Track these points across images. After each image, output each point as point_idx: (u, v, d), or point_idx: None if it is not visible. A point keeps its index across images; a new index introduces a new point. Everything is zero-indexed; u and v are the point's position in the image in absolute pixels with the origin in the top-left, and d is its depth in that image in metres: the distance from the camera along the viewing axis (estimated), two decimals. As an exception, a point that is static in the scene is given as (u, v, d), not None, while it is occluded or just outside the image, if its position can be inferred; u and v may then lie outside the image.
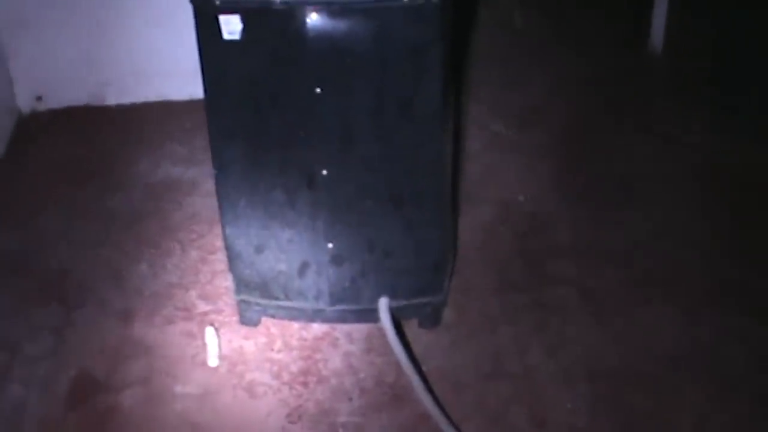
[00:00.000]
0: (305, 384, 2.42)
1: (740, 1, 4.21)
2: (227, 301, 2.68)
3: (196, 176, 3.21)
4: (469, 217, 2.99)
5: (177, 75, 3.52)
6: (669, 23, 4.01)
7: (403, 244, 2.43)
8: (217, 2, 2.10)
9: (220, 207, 2.42)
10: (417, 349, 2.50)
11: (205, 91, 2.25)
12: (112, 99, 3.74)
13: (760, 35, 3.99)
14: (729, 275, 2.78)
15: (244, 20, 2.10)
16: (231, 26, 2.12)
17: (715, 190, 3.15)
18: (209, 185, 2.42)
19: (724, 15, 4.16)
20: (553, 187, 3.17)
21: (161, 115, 3.62)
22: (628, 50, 4.11)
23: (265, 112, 2.24)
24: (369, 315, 2.48)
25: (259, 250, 2.44)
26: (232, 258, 2.50)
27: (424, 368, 2.42)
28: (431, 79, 2.20)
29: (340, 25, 2.10)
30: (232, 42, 2.14)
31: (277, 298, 2.52)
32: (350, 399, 2.38)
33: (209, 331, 2.54)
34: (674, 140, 3.44)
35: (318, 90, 2.16)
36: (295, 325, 2.59)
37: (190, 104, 3.39)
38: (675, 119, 3.57)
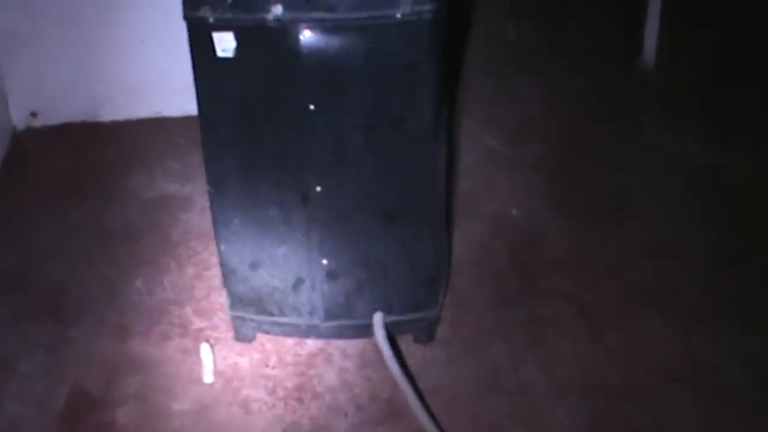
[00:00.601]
0: (300, 400, 2.42)
1: (734, 15, 4.22)
2: (222, 317, 2.68)
3: (192, 193, 3.21)
4: (463, 232, 2.99)
5: (171, 91, 3.53)
6: (661, 36, 4.02)
7: (397, 259, 2.43)
8: (211, 20, 2.11)
9: (215, 223, 2.42)
10: (412, 365, 2.50)
11: (199, 108, 2.26)
12: (107, 115, 3.74)
13: (753, 48, 4.01)
14: (724, 288, 2.78)
15: (237, 38, 2.11)
16: (224, 44, 2.13)
17: (709, 203, 3.15)
18: (204, 202, 2.43)
19: (718, 28, 4.18)
20: (547, 201, 3.17)
21: (156, 131, 3.62)
22: (621, 63, 4.12)
23: (259, 129, 2.25)
24: (364, 330, 2.48)
25: (253, 266, 2.45)
26: (227, 274, 2.50)
27: (419, 384, 2.42)
28: (424, 96, 2.21)
29: (333, 42, 2.11)
30: (225, 59, 2.14)
31: (271, 314, 2.52)
32: (345, 415, 2.38)
33: (204, 348, 2.54)
34: (668, 153, 3.44)
35: (312, 107, 2.17)
36: (290, 341, 2.59)
37: (185, 121, 3.38)
38: (668, 132, 3.58)
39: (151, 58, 3.61)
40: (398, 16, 2.08)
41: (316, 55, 2.11)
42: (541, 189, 3.24)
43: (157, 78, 3.65)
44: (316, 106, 2.17)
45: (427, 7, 2.09)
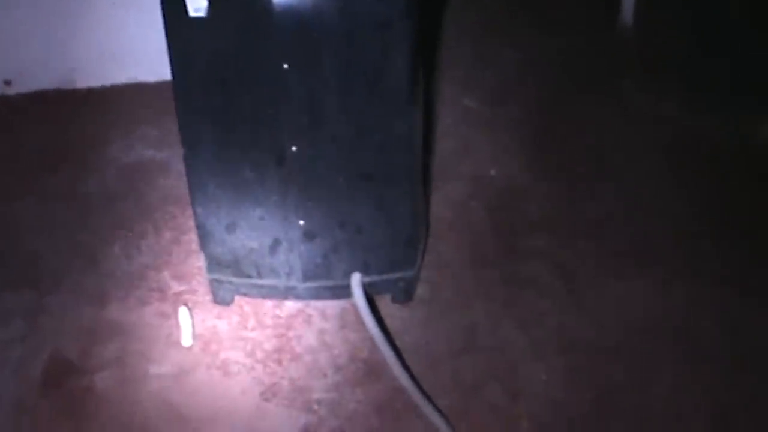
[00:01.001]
0: (279, 362, 2.42)
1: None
2: (200, 280, 2.67)
3: (169, 158, 3.19)
4: (441, 193, 2.99)
5: (146, 57, 3.50)
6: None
7: (374, 219, 2.42)
8: (182, -21, 2.08)
9: (190, 186, 2.41)
10: (391, 325, 2.51)
11: (172, 70, 2.23)
12: (83, 82, 3.70)
13: (732, 12, 4.00)
14: (701, 246, 2.79)
15: (209, -4, 2.09)
16: (196, 3, 2.10)
17: (687, 163, 3.16)
18: (181, 167, 2.41)
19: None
20: (526, 162, 3.17)
21: (132, 97, 3.59)
22: (600, 26, 4.11)
23: (233, 90, 2.23)
24: (342, 291, 2.48)
25: (230, 228, 2.44)
26: (204, 237, 2.49)
27: (398, 343, 2.43)
28: (399, 54, 2.19)
29: (306, -1, 2.09)
30: (197, 19, 2.11)
31: (249, 276, 2.52)
32: (325, 375, 2.38)
33: (183, 311, 2.53)
34: (646, 114, 3.44)
35: (285, 66, 2.15)
36: (269, 303, 2.59)
37: (161, 86, 3.33)
38: (647, 94, 3.57)
39: (126, 22, 3.57)
40: (372, -28, 2.06)
41: (289, 13, 2.09)
42: (520, 150, 3.24)
43: (132, 43, 3.61)
44: (290, 66, 2.15)
45: (401, -37, 2.07)
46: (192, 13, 2.11)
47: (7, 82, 3.70)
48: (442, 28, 3.99)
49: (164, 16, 2.16)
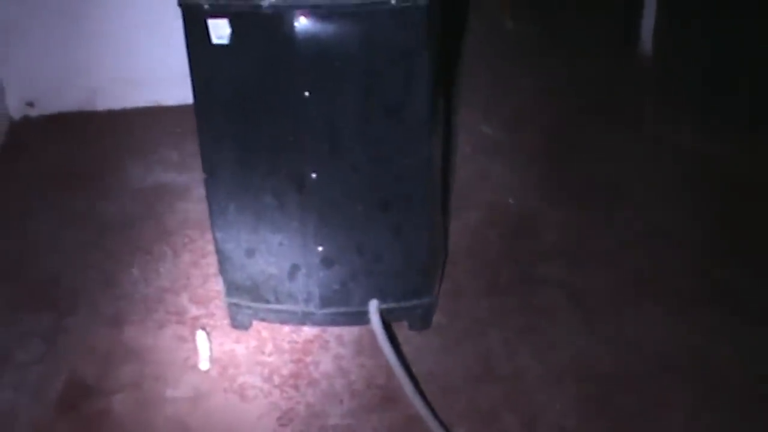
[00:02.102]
0: (296, 387, 2.43)
1: (729, 5, 4.23)
2: (218, 304, 2.68)
3: (188, 181, 3.21)
4: (459, 221, 3.00)
5: (167, 80, 3.53)
6: (658, 26, 4.03)
7: (392, 247, 2.43)
8: (206, 6, 2.11)
9: (210, 211, 2.42)
10: (407, 352, 2.51)
11: (194, 95, 2.26)
12: (104, 104, 3.75)
13: (750, 38, 4.01)
14: (718, 276, 2.79)
15: (232, 24, 2.11)
16: (220, 30, 2.13)
17: (704, 191, 3.16)
18: (201, 191, 2.43)
19: (714, 18, 4.18)
20: (543, 189, 3.18)
21: (152, 120, 3.63)
22: (618, 53, 4.13)
23: (255, 116, 2.25)
24: (359, 317, 2.49)
25: (249, 253, 2.45)
26: (223, 261, 2.50)
27: (414, 370, 2.43)
28: (419, 83, 2.21)
29: (328, 28, 2.11)
30: (220, 46, 2.15)
31: (267, 301, 2.53)
32: (341, 401, 2.38)
33: (200, 335, 2.54)
34: (664, 141, 3.45)
35: (306, 93, 2.17)
36: (286, 329, 2.60)
37: (182, 109, 3.34)
38: (664, 121, 3.59)
39: (147, 46, 3.62)
40: (393, 2, 2.08)
41: (311, 41, 2.11)
42: (537, 178, 3.25)
43: (154, 66, 3.66)
44: (311, 93, 2.17)
45: (422, -7, 2.09)
46: (215, 40, 2.14)
47: (30, 104, 3.75)
48: (461, 53, 4.01)
49: (187, 42, 2.19)
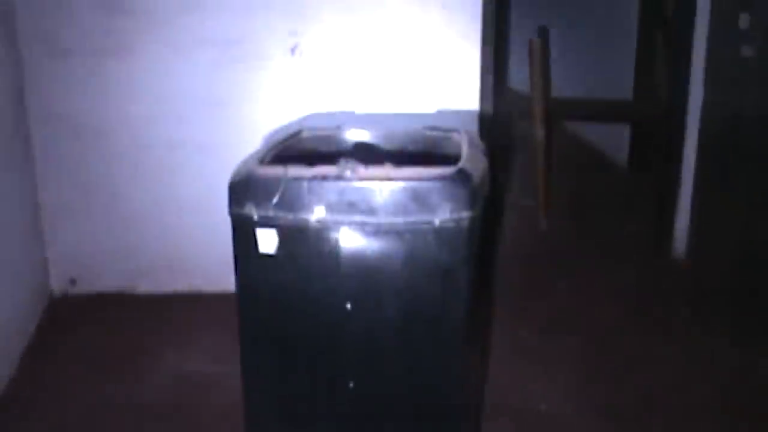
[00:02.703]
0: None
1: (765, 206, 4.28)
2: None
3: (224, 374, 3.20)
4: (491, 428, 2.97)
5: (209, 267, 3.62)
6: (693, 228, 4.08)
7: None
8: (255, 217, 2.18)
9: (246, 414, 2.43)
10: None
11: (239, 298, 2.31)
12: (144, 287, 3.82)
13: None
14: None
15: (280, 236, 2.18)
16: (267, 241, 2.20)
17: (737, 403, 3.12)
18: (236, 384, 2.44)
19: (749, 219, 4.22)
20: (575, 397, 3.16)
21: (192, 306, 3.69)
22: (653, 255, 4.17)
23: (296, 324, 2.29)
24: None
25: (282, 458, 2.45)
26: (255, 463, 2.49)
27: None
28: (459, 298, 2.25)
29: (372, 244, 2.17)
30: (267, 255, 2.21)
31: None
32: None
33: None
34: (698, 349, 3.44)
35: (348, 306, 2.22)
36: None
37: (221, 297, 3.44)
38: (698, 328, 3.59)
39: (191, 232, 3.72)
40: (436, 222, 2.14)
41: (355, 256, 2.18)
42: (570, 384, 3.23)
43: (196, 252, 3.75)
44: (352, 306, 2.22)
45: (465, 214, 2.16)
46: (262, 250, 2.21)
47: (73, 281, 3.83)
48: (497, 254, 4.07)
49: (235, 248, 2.26)
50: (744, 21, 3.63)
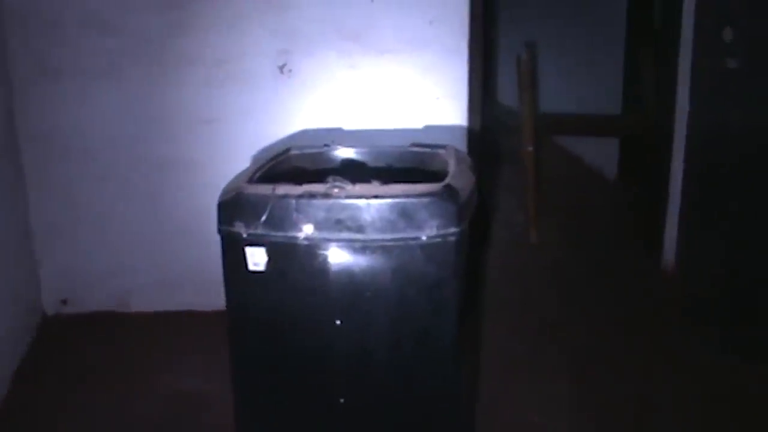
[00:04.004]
0: None
1: (753, 220, 4.29)
2: None
3: (215, 391, 3.21)
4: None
5: (201, 285, 3.62)
6: (681, 238, 4.10)
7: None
8: (245, 235, 2.20)
9: (237, 429, 2.45)
10: None
11: (229, 316, 2.33)
12: (136, 306, 3.83)
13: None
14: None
15: (269, 253, 2.20)
16: (256, 258, 2.22)
17: (727, 413, 3.14)
18: (227, 401, 2.46)
19: (735, 229, 4.23)
20: (567, 408, 3.17)
21: (184, 325, 3.69)
22: (642, 265, 4.18)
23: (286, 341, 2.31)
24: None
25: (273, 474, 2.46)
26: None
27: None
28: (447, 311, 2.27)
29: (360, 261, 2.19)
30: (256, 272, 2.23)
31: None
32: None
33: None
34: (689, 360, 3.45)
35: (338, 322, 2.24)
36: None
37: (213, 316, 3.45)
38: (688, 339, 3.60)
39: (183, 251, 3.73)
40: (424, 238, 2.17)
41: (343, 272, 2.20)
42: (562, 396, 3.24)
43: (187, 271, 3.76)
44: (342, 321, 2.24)
45: (452, 230, 2.18)
46: (251, 267, 2.22)
47: (64, 301, 3.83)
48: (488, 267, 4.09)
49: (224, 266, 2.29)
50: (728, 34, 3.66)
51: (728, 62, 3.70)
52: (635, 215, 4.70)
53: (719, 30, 3.74)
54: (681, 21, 4.06)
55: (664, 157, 4.24)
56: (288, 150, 2.79)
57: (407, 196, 2.19)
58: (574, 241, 4.45)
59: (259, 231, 2.20)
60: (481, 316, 3.66)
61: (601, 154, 6.09)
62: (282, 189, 2.23)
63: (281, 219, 2.19)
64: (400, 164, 2.78)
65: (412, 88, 3.66)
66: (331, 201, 2.18)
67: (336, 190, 2.20)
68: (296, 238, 2.18)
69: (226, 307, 2.32)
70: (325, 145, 2.83)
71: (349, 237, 2.17)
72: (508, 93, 6.52)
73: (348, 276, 2.20)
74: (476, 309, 3.61)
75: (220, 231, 2.25)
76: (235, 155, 3.41)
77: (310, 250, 2.19)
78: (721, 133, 3.86)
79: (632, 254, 4.32)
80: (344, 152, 2.80)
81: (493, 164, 5.56)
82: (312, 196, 2.19)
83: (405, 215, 2.17)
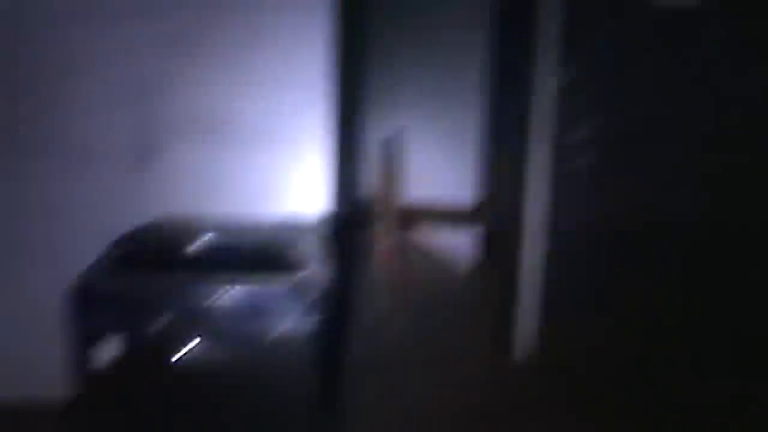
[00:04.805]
0: None
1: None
2: None
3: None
4: None
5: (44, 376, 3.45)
6: (539, 329, 4.13)
7: None
8: (94, 328, 2.14)
9: None
10: None
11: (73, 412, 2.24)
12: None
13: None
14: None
15: (120, 347, 2.13)
16: (107, 352, 2.15)
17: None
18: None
19: (594, 322, 4.28)
20: None
21: (24, 420, 3.50)
22: (496, 357, 4.19)
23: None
24: None
25: None
26: None
27: None
28: (302, 407, 2.25)
29: (215, 353, 2.15)
30: (106, 367, 2.16)
31: None
32: None
33: None
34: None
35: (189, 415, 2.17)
36: None
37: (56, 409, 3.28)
38: (547, 426, 3.61)
39: (29, 340, 3.57)
40: (279, 330, 2.16)
41: (197, 366, 2.15)
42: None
43: (32, 361, 3.58)
44: (193, 415, 2.18)
45: (307, 322, 2.20)
46: (100, 362, 2.15)
47: None
48: (347, 361, 4.04)
49: (73, 360, 2.20)
50: (584, 130, 3.76)
51: (586, 158, 3.79)
52: (490, 304, 4.73)
53: (575, 124, 3.84)
54: (533, 114, 4.15)
55: (515, 249, 4.29)
56: (146, 238, 2.73)
57: (261, 288, 2.17)
58: (427, 330, 4.45)
59: (110, 323, 2.13)
60: (340, 413, 3.59)
61: (462, 244, 6.14)
62: (135, 281, 2.18)
63: (134, 312, 2.13)
64: (258, 254, 2.75)
65: (274, 176, 3.64)
66: (185, 294, 2.14)
67: (190, 283, 2.16)
68: (148, 332, 2.12)
69: (72, 401, 2.23)
70: (185, 231, 2.79)
71: (204, 329, 2.13)
72: (370, 182, 6.53)
73: (201, 369, 2.15)
74: (336, 405, 3.55)
75: (69, 322, 2.17)
76: (90, 245, 3.30)
77: (163, 344, 2.13)
78: (580, 229, 3.92)
79: (485, 342, 4.32)
80: (202, 239, 2.76)
81: (354, 253, 5.54)
82: (166, 290, 2.14)
83: (259, 308, 2.14)
